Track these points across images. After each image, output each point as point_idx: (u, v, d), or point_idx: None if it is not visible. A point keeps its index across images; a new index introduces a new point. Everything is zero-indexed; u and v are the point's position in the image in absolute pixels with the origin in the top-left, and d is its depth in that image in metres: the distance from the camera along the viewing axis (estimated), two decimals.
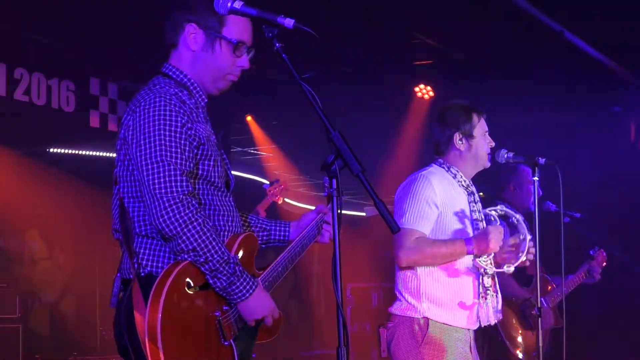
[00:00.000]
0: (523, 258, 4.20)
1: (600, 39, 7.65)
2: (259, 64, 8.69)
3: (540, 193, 5.49)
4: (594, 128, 8.97)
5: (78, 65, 7.86)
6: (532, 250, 4.37)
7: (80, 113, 7.95)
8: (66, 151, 9.17)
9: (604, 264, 6.35)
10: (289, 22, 2.78)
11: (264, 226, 3.46)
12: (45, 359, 8.27)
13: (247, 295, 3.01)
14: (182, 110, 3.02)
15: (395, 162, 9.61)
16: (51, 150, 9.15)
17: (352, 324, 9.43)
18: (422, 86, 9.20)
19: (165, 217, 2.89)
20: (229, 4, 2.89)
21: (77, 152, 9.18)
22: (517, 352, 5.71)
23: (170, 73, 3.18)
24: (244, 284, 3.00)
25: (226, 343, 3.00)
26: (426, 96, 9.24)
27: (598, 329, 8.96)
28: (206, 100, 3.23)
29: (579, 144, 8.94)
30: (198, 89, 3.19)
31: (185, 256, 2.93)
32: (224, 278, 2.96)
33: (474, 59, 8.26)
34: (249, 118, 9.78)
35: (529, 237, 4.24)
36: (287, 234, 3.47)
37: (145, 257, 3.00)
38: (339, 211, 2.69)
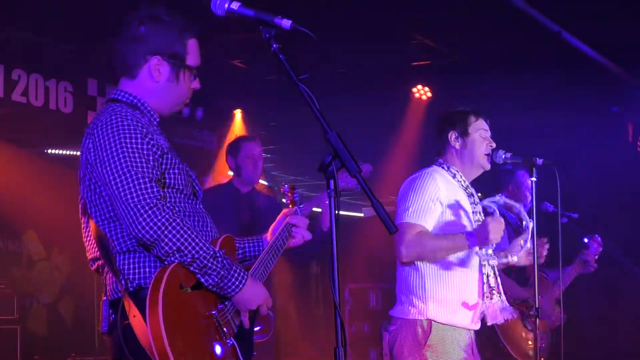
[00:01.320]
0: (528, 245, 4.22)
1: (598, 39, 7.66)
2: (257, 64, 8.69)
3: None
4: (591, 128, 8.97)
5: (76, 66, 7.85)
6: (546, 245, 4.41)
7: (78, 114, 7.94)
8: (64, 152, 9.15)
9: (600, 249, 6.28)
10: (286, 23, 2.78)
11: (236, 245, 3.43)
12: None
13: (241, 286, 3.00)
14: (139, 124, 3.03)
15: (393, 162, 9.61)
16: (49, 151, 9.13)
17: (351, 325, 9.42)
18: (419, 87, 9.20)
19: (144, 224, 2.88)
20: (226, 5, 2.89)
21: (75, 153, 9.16)
22: (517, 355, 5.70)
23: (119, 97, 3.17)
24: (235, 275, 2.99)
25: (229, 342, 3.00)
26: (424, 97, 9.24)
27: (597, 330, 8.97)
28: (158, 120, 3.23)
29: (576, 144, 8.94)
30: (149, 109, 3.19)
31: (172, 258, 2.90)
32: (214, 274, 2.95)
33: (471, 59, 8.26)
34: (238, 115, 9.65)
35: (531, 224, 4.26)
36: (260, 249, 3.45)
37: (131, 271, 3.00)
38: (336, 212, 2.69)
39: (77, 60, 7.81)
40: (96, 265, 3.14)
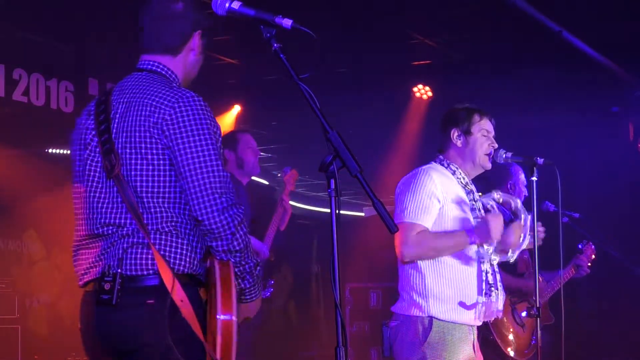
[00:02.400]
0: (526, 242, 4.23)
1: (599, 39, 7.66)
2: (257, 63, 8.69)
3: (527, 194, 5.51)
4: (592, 128, 8.97)
5: (77, 66, 7.86)
6: (541, 229, 4.42)
7: (79, 114, 7.93)
8: (65, 152, 9.16)
9: (593, 256, 6.34)
10: (287, 22, 2.79)
11: None
12: (44, 359, 8.27)
13: (256, 297, 3.16)
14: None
15: (394, 162, 9.61)
16: (50, 150, 9.14)
17: (351, 324, 9.42)
18: (420, 86, 9.19)
19: (222, 217, 2.93)
20: (227, 5, 2.90)
21: None
22: (509, 350, 5.71)
23: (162, 72, 3.18)
24: (257, 287, 3.15)
25: None
26: (425, 96, 9.23)
27: (597, 330, 8.97)
28: None
29: (577, 144, 8.94)
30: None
31: (230, 256, 2.98)
32: (251, 281, 3.08)
33: (472, 59, 8.26)
34: (234, 111, 9.54)
35: (529, 218, 4.28)
36: None
37: (172, 253, 2.98)
38: (337, 211, 2.70)
39: (77, 60, 7.82)
40: (110, 230, 3.02)
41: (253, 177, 6.57)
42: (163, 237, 2.98)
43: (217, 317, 2.88)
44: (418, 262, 4.17)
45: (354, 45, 7.80)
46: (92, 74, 8.08)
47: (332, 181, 2.69)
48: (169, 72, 3.18)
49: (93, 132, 3.15)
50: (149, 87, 3.08)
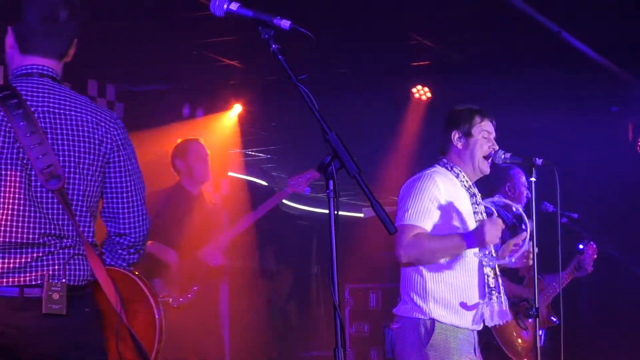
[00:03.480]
0: (525, 247, 4.22)
1: (598, 39, 7.65)
2: (256, 64, 8.67)
3: (529, 196, 5.51)
4: (591, 128, 8.97)
5: (76, 67, 7.84)
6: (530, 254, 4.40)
7: None
8: None
9: (595, 256, 6.34)
10: (285, 23, 2.79)
11: None
12: None
13: None
14: None
15: (393, 163, 9.61)
16: None
17: (351, 325, 9.42)
18: (419, 87, 9.18)
19: (146, 235, 3.23)
20: (226, 6, 2.90)
21: None
22: (515, 353, 5.70)
23: (58, 79, 3.28)
24: None
25: None
26: (424, 97, 9.22)
27: (596, 330, 8.97)
28: None
29: (576, 144, 8.94)
30: None
31: (131, 267, 3.25)
32: None
33: (471, 59, 8.25)
34: (235, 111, 9.46)
35: (529, 225, 4.27)
36: None
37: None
38: (335, 212, 2.70)
39: (77, 61, 7.80)
40: (51, 240, 3.02)
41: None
42: (95, 249, 3.13)
43: (156, 317, 3.08)
44: (419, 265, 4.17)
45: (354, 45, 7.79)
46: (92, 74, 8.07)
47: (331, 182, 2.69)
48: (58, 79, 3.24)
49: (13, 139, 3.04)
50: (73, 99, 3.17)
